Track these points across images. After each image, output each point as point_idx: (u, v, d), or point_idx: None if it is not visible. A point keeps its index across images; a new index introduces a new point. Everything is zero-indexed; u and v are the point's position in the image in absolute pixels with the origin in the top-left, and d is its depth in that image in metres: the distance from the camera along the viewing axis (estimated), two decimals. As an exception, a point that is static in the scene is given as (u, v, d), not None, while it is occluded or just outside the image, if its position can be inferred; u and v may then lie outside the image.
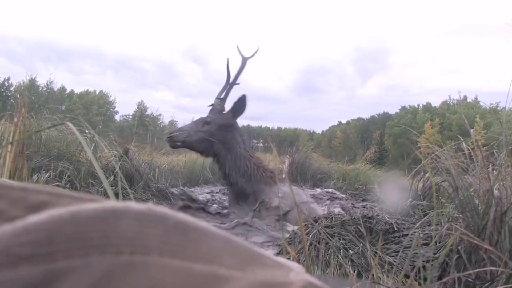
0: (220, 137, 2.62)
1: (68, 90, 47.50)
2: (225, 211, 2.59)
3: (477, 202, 1.29)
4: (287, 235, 1.77)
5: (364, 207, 3.23)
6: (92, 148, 2.29)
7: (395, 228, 1.69)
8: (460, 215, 1.35)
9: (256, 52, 2.94)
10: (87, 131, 2.07)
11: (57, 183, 2.04)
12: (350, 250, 1.53)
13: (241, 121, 3.62)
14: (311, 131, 63.22)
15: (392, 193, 2.44)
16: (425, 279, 0.90)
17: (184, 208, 3.05)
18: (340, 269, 1.47)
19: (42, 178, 1.96)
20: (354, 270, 1.46)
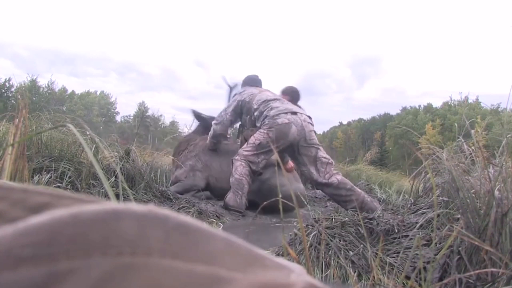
0: None
1: (69, 91, 47.58)
2: None
3: (478, 203, 1.29)
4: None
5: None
6: (93, 149, 2.29)
7: (396, 230, 1.68)
8: (461, 216, 1.35)
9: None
10: (87, 133, 2.06)
11: (58, 184, 2.04)
12: (350, 251, 1.53)
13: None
14: (312, 132, 63.01)
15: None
16: (425, 280, 0.90)
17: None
18: (340, 270, 1.47)
19: (43, 179, 1.96)
20: (355, 272, 1.45)
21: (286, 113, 2.95)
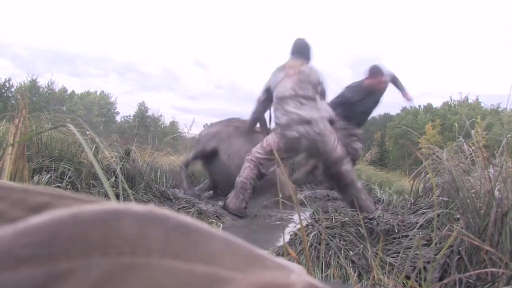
0: None
1: (69, 91, 47.58)
2: None
3: (478, 203, 1.29)
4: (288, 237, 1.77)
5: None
6: (93, 149, 2.29)
7: (396, 229, 1.69)
8: (461, 216, 1.35)
9: None
10: (87, 133, 2.07)
11: (58, 184, 2.05)
12: (350, 251, 1.53)
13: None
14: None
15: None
16: (425, 280, 0.90)
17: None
18: (340, 270, 1.47)
19: (43, 179, 1.96)
20: (355, 271, 1.45)
21: (299, 123, 2.80)
